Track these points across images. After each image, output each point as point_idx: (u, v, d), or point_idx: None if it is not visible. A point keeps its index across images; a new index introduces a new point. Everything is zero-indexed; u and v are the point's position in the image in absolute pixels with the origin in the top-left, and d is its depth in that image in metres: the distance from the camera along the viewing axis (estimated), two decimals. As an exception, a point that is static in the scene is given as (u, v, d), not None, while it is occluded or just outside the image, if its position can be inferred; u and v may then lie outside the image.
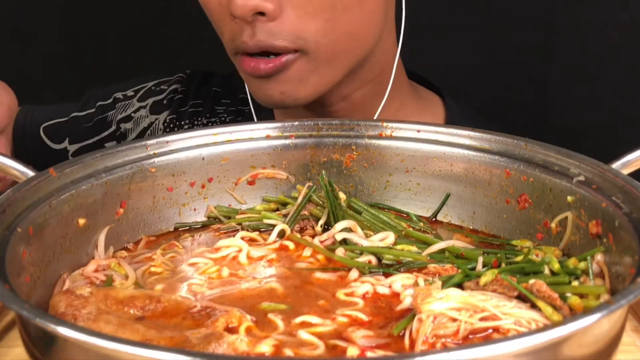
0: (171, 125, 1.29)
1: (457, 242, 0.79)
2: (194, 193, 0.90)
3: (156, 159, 0.87)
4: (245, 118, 1.25)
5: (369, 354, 0.60)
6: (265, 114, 1.21)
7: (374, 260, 0.78)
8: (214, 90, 1.32)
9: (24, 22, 1.65)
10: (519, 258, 0.74)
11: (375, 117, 1.13)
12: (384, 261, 0.78)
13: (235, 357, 0.58)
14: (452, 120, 1.21)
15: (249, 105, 1.20)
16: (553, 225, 0.79)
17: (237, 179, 0.92)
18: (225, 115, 1.28)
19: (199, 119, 1.28)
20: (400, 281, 0.72)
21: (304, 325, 0.66)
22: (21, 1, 1.64)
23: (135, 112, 1.31)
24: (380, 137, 0.92)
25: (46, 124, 1.33)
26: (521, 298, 0.65)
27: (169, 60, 1.77)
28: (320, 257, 0.79)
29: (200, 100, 1.30)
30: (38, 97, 1.70)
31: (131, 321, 0.64)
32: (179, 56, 1.76)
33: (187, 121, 1.28)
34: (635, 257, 0.63)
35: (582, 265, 0.70)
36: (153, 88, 1.33)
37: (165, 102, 1.31)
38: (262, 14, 0.95)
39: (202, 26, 1.09)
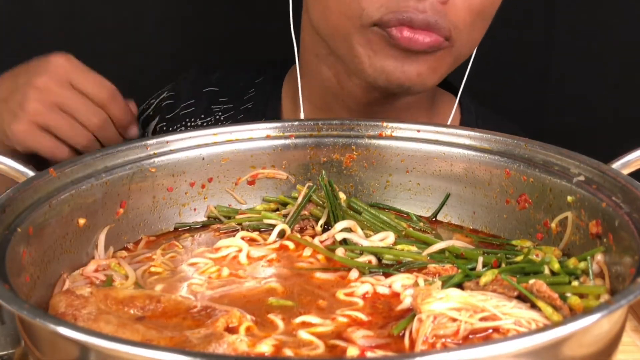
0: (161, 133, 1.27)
1: (457, 242, 0.79)
2: (194, 193, 0.90)
3: (156, 159, 0.87)
4: (246, 117, 1.24)
5: (369, 354, 0.60)
6: (272, 112, 1.21)
7: (374, 260, 0.78)
8: (210, 90, 1.30)
9: (24, 22, 1.65)
10: (519, 258, 0.74)
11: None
12: (384, 261, 0.78)
13: (235, 357, 0.58)
14: (469, 122, 1.22)
15: (251, 102, 1.19)
16: (553, 225, 0.79)
17: (237, 179, 0.92)
18: (221, 114, 1.26)
19: (193, 120, 1.27)
20: (400, 281, 0.72)
21: (304, 325, 0.66)
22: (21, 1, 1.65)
23: None
24: (380, 137, 0.92)
25: None
26: (521, 298, 0.65)
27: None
28: (320, 257, 0.79)
29: (193, 100, 1.28)
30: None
31: (131, 321, 0.64)
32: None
33: (180, 124, 1.26)
34: (635, 257, 0.63)
35: (582, 265, 0.70)
36: (145, 107, 1.32)
37: (152, 112, 1.30)
38: None
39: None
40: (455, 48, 1.03)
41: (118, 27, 1.72)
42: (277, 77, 1.26)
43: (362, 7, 1.00)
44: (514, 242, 0.82)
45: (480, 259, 0.74)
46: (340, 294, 0.71)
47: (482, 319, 0.62)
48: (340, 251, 0.79)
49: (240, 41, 1.67)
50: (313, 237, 0.83)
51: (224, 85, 1.30)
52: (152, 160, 0.86)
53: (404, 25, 0.98)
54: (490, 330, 0.61)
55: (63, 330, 0.52)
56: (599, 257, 0.70)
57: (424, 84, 1.03)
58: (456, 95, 1.24)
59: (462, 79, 1.15)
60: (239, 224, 0.87)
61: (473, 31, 1.04)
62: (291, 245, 0.82)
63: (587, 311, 0.54)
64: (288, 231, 0.84)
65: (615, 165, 0.78)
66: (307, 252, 0.80)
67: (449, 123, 1.18)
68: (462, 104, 1.23)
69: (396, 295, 0.71)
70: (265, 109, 1.22)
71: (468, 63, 1.13)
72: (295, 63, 1.17)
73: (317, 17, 1.08)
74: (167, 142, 0.88)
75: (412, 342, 0.62)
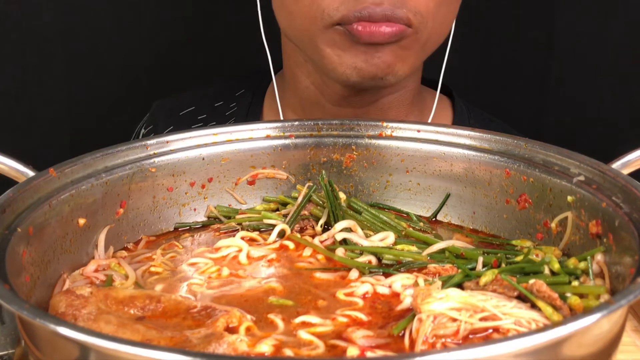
0: None
1: (457, 242, 0.79)
2: (194, 193, 0.90)
3: (156, 159, 0.87)
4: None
5: (369, 354, 0.60)
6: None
7: (374, 260, 0.78)
8: (187, 111, 1.30)
9: (24, 22, 1.65)
10: (519, 258, 0.74)
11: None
12: (384, 261, 0.78)
13: (235, 357, 0.58)
14: (460, 122, 1.22)
15: (233, 116, 1.20)
16: (553, 225, 0.79)
17: (237, 179, 0.92)
18: None
19: None
20: (400, 281, 0.72)
21: (304, 325, 0.66)
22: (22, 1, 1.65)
23: None
24: (380, 137, 0.92)
25: None
26: (521, 298, 0.65)
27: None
28: (320, 257, 0.79)
29: (172, 127, 1.28)
30: (39, 96, 1.70)
31: (131, 321, 0.64)
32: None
33: None
34: (635, 257, 0.63)
35: (582, 265, 0.70)
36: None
37: None
38: None
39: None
40: (421, 34, 1.03)
41: (118, 27, 1.72)
42: (259, 87, 1.27)
43: (322, 8, 1.01)
44: (514, 242, 0.82)
45: (480, 259, 0.74)
46: (340, 294, 0.71)
47: (482, 319, 0.62)
48: (340, 251, 0.79)
49: (230, 49, 1.68)
50: (313, 237, 0.83)
51: (202, 103, 1.30)
52: (152, 160, 0.86)
53: (363, 20, 0.99)
54: (490, 330, 0.61)
55: (63, 330, 0.52)
56: (599, 257, 0.70)
57: (395, 73, 1.04)
58: (446, 94, 1.25)
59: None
60: (239, 224, 0.87)
61: (437, 16, 1.04)
62: (291, 245, 0.82)
63: (587, 311, 0.54)
64: (288, 231, 0.84)
65: (615, 165, 0.78)
66: (307, 252, 0.80)
67: (430, 120, 1.17)
68: (454, 105, 1.24)
69: (396, 295, 0.71)
70: (246, 119, 1.23)
71: (444, 57, 1.13)
72: (278, 72, 1.18)
73: (284, 23, 1.10)
74: (167, 142, 0.88)
75: (412, 342, 0.62)
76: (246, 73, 1.35)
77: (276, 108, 1.20)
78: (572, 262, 0.71)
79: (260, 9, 1.13)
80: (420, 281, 0.72)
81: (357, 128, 0.93)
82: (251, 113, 1.25)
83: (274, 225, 0.85)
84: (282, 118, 1.14)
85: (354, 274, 0.75)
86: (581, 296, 0.65)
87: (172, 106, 1.32)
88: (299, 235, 0.84)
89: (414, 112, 1.19)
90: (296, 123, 0.93)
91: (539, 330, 0.52)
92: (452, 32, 1.13)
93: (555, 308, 0.63)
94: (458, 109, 1.24)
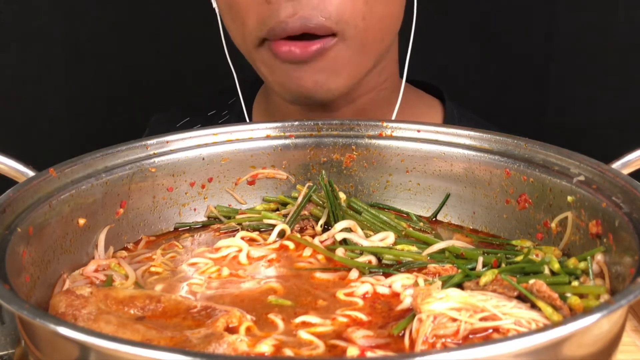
0: None
1: (457, 242, 0.79)
2: (194, 193, 0.90)
3: (156, 159, 0.87)
4: None
5: (369, 354, 0.60)
6: None
7: (374, 260, 0.78)
8: (184, 122, 1.30)
9: (24, 22, 1.65)
10: (519, 258, 0.74)
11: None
12: (384, 261, 0.78)
13: (235, 357, 0.58)
14: (450, 123, 1.19)
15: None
16: (553, 225, 0.79)
17: (237, 179, 0.92)
18: None
19: None
20: (400, 281, 0.72)
21: (304, 325, 0.66)
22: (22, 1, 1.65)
23: None
24: (380, 137, 0.92)
25: None
26: (521, 298, 0.65)
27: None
28: (320, 257, 0.79)
29: None
30: (39, 96, 1.70)
31: (131, 321, 0.64)
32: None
33: None
34: (635, 257, 0.63)
35: (582, 265, 0.70)
36: None
37: None
38: None
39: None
40: (351, 40, 0.97)
41: (118, 27, 1.72)
42: (249, 95, 1.26)
43: (248, 29, 0.98)
44: (514, 242, 0.82)
45: (480, 259, 0.74)
46: (340, 294, 0.71)
47: (482, 319, 0.62)
48: (340, 251, 0.79)
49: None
50: (313, 237, 0.83)
51: (196, 113, 1.31)
52: (152, 160, 0.86)
53: (280, 38, 0.95)
54: (490, 330, 0.61)
55: (63, 330, 0.52)
56: (599, 257, 0.70)
57: (327, 89, 0.99)
58: (437, 96, 1.22)
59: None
60: (239, 224, 0.87)
61: (372, 14, 0.97)
62: (291, 245, 0.82)
63: (587, 311, 0.54)
64: (288, 231, 0.84)
65: (615, 165, 0.78)
66: (307, 252, 0.80)
67: (395, 111, 1.14)
68: (445, 108, 1.21)
69: (396, 295, 0.71)
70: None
71: (407, 50, 1.09)
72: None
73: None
74: (167, 142, 0.88)
75: (412, 342, 0.62)
76: (246, 73, 1.35)
77: (264, 113, 1.20)
78: (572, 262, 0.71)
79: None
80: (420, 281, 0.72)
81: (357, 128, 0.93)
82: (242, 120, 1.25)
83: (274, 225, 0.85)
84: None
85: (354, 274, 0.75)
86: (581, 296, 0.65)
87: (169, 118, 1.33)
88: (299, 235, 0.84)
89: (391, 111, 1.16)
90: (296, 123, 0.93)
91: (539, 330, 0.52)
92: (414, 19, 1.06)
93: (555, 308, 0.63)
94: (449, 112, 1.20)
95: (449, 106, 1.21)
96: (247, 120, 1.24)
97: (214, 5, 1.09)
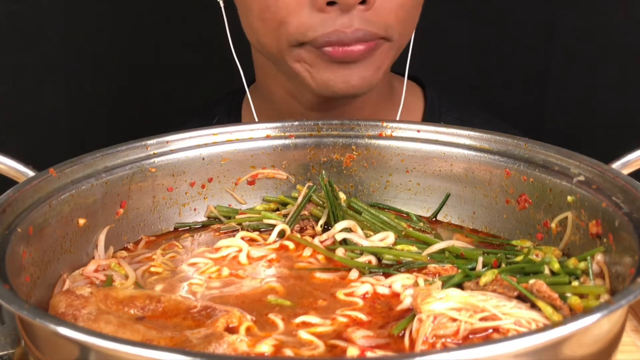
0: None
1: (457, 242, 0.79)
2: (194, 193, 0.90)
3: (156, 159, 0.87)
4: None
5: (369, 354, 0.60)
6: None
7: (374, 260, 0.78)
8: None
9: (24, 22, 1.65)
10: (519, 258, 0.74)
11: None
12: (384, 261, 0.78)
13: (235, 357, 0.58)
14: (432, 111, 1.23)
15: None
16: (553, 225, 0.79)
17: (237, 179, 0.92)
18: None
19: None
20: (400, 281, 0.72)
21: (304, 325, 0.66)
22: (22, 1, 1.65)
23: None
24: (380, 137, 0.92)
25: None
26: (521, 298, 0.65)
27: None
28: (320, 257, 0.79)
29: None
30: (39, 96, 1.70)
31: (131, 321, 0.64)
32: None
33: None
34: (635, 257, 0.63)
35: (582, 265, 0.70)
36: None
37: None
38: (363, 2, 0.97)
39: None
40: (394, 42, 1.03)
41: (118, 27, 1.72)
42: (233, 106, 1.26)
43: (289, 32, 0.99)
44: (514, 242, 0.82)
45: (480, 259, 0.74)
46: (340, 294, 0.71)
47: (482, 319, 0.62)
48: (340, 251, 0.79)
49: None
50: (313, 237, 0.83)
51: (190, 123, 1.31)
52: (152, 160, 0.86)
53: (332, 44, 0.98)
54: (490, 330, 0.61)
55: (63, 330, 0.52)
56: (599, 257, 0.70)
57: (370, 85, 1.03)
58: (419, 85, 1.26)
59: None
60: (239, 224, 0.87)
61: (407, 20, 1.03)
62: (291, 245, 0.82)
63: (587, 311, 0.54)
64: (288, 231, 0.84)
65: (615, 165, 0.78)
66: (307, 252, 0.80)
67: (400, 108, 1.17)
68: (426, 96, 1.25)
69: (396, 295, 0.71)
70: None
71: (407, 51, 1.13)
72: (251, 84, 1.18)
73: (250, 37, 1.08)
74: (167, 142, 0.88)
75: (412, 342, 0.62)
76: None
77: (252, 116, 1.20)
78: (572, 262, 0.71)
79: (229, 23, 1.11)
80: (420, 281, 0.72)
81: (357, 128, 0.93)
82: (230, 122, 1.25)
83: (274, 225, 0.85)
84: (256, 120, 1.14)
85: (354, 274, 0.75)
86: (581, 296, 0.65)
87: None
88: (299, 235, 0.84)
89: (387, 104, 1.19)
90: (296, 123, 0.93)
91: (539, 330, 0.52)
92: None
93: (555, 308, 0.63)
94: (429, 97, 1.25)
95: (429, 93, 1.25)
96: (237, 120, 1.25)
97: (221, 5, 1.10)
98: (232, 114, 1.26)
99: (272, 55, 1.06)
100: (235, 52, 1.13)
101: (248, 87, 1.18)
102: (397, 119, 1.17)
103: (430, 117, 1.22)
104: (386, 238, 0.81)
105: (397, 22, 1.01)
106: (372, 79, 1.03)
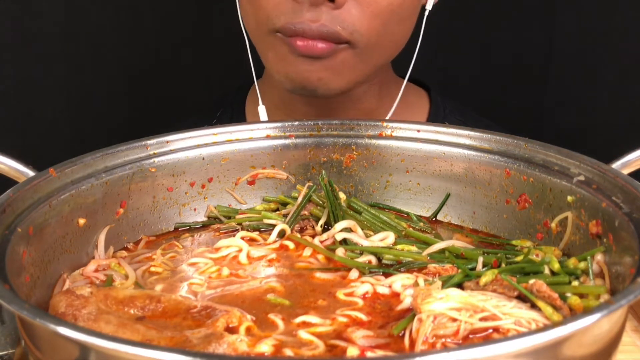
0: None
1: (457, 242, 0.79)
2: (194, 193, 0.90)
3: (156, 159, 0.87)
4: None
5: (369, 354, 0.60)
6: (236, 118, 1.24)
7: (374, 260, 0.78)
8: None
9: (24, 22, 1.65)
10: (519, 258, 0.74)
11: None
12: (384, 261, 0.78)
13: (235, 357, 0.58)
14: (436, 113, 1.24)
15: (218, 119, 1.23)
16: (553, 225, 0.79)
17: (237, 179, 0.92)
18: None
19: None
20: (400, 281, 0.72)
21: (304, 325, 0.66)
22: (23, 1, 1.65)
23: None
24: (380, 137, 0.92)
25: None
26: (521, 298, 0.65)
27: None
28: (320, 257, 0.79)
29: None
30: (39, 96, 1.70)
31: (131, 321, 0.64)
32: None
33: None
34: (635, 257, 0.63)
35: (582, 265, 0.70)
36: None
37: None
38: (331, 0, 1.00)
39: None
40: (359, 50, 1.04)
41: (118, 27, 1.72)
42: (237, 100, 1.29)
43: (266, 13, 1.03)
44: (514, 242, 0.82)
45: (480, 259, 0.74)
46: (340, 294, 0.71)
47: (482, 319, 0.62)
48: (340, 251, 0.79)
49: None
50: (313, 237, 0.83)
51: (190, 122, 1.32)
52: (152, 160, 0.86)
53: (298, 35, 1.01)
54: (490, 330, 0.61)
55: (63, 330, 0.52)
56: (599, 257, 0.70)
57: (327, 87, 1.05)
58: (425, 89, 1.28)
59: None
60: (239, 224, 0.87)
61: (385, 33, 1.04)
62: (291, 245, 0.82)
63: (587, 311, 0.54)
64: (288, 231, 0.84)
65: (615, 165, 0.78)
66: (307, 252, 0.80)
67: (394, 106, 1.17)
68: (431, 99, 1.27)
69: (396, 295, 0.71)
70: (231, 120, 1.26)
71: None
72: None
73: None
74: (167, 142, 0.88)
75: (412, 342, 0.62)
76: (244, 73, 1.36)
77: (257, 114, 1.21)
78: (572, 262, 0.71)
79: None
80: (420, 281, 0.72)
81: (357, 128, 0.93)
82: (235, 110, 1.27)
83: (274, 225, 0.85)
84: (266, 118, 1.15)
85: (354, 274, 0.75)
86: (581, 296, 0.65)
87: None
88: (299, 235, 0.84)
89: (385, 103, 1.20)
90: (296, 123, 0.93)
91: (539, 330, 0.52)
92: (421, 32, 1.13)
93: (555, 308, 0.63)
94: (434, 102, 1.26)
95: (434, 96, 1.27)
96: (242, 106, 1.26)
97: None
98: (234, 111, 1.28)
99: (255, 41, 1.10)
100: (246, 43, 1.15)
101: (257, 79, 1.20)
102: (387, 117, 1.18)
103: (435, 121, 1.23)
104: (386, 238, 0.81)
105: (367, 29, 1.02)
106: (330, 81, 1.05)
